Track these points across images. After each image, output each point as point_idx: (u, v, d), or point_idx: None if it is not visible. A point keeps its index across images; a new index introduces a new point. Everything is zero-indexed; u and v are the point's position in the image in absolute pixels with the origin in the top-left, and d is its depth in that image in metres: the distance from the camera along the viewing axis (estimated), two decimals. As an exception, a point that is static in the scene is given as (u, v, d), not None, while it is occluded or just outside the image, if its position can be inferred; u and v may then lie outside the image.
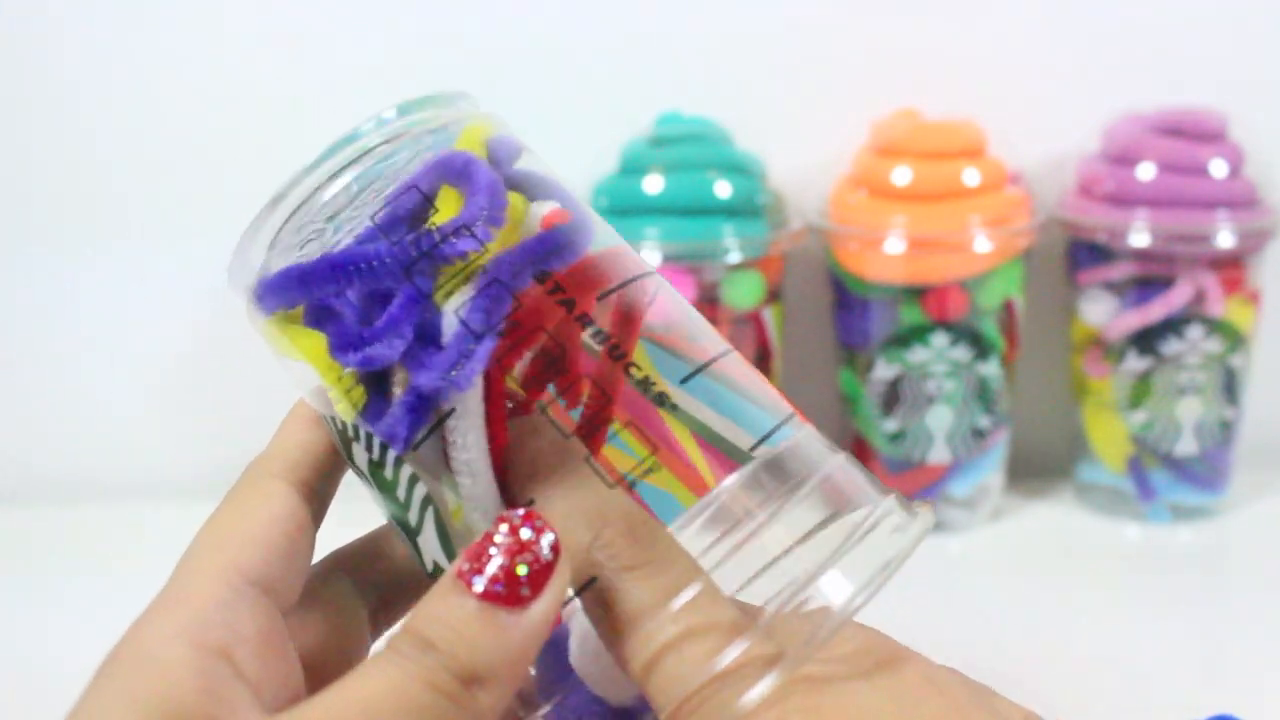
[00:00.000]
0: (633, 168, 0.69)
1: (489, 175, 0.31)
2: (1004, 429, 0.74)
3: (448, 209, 0.30)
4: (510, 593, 0.26)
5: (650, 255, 0.67)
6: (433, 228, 0.30)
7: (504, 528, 0.26)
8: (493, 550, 0.26)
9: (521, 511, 0.27)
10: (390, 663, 0.26)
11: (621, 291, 0.31)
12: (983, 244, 0.68)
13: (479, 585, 0.26)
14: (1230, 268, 0.69)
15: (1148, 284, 0.70)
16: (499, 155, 0.32)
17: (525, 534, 0.26)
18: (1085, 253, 0.72)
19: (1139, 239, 0.69)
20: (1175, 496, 0.73)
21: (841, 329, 0.74)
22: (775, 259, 0.71)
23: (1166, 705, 0.55)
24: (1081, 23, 0.76)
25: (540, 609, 0.26)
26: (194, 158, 0.74)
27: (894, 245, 0.68)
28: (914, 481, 0.73)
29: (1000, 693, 0.32)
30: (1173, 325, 0.70)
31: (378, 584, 0.33)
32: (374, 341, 0.29)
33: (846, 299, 0.72)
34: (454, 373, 0.29)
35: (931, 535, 0.79)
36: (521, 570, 0.26)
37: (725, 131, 0.71)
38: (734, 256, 0.68)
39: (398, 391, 0.30)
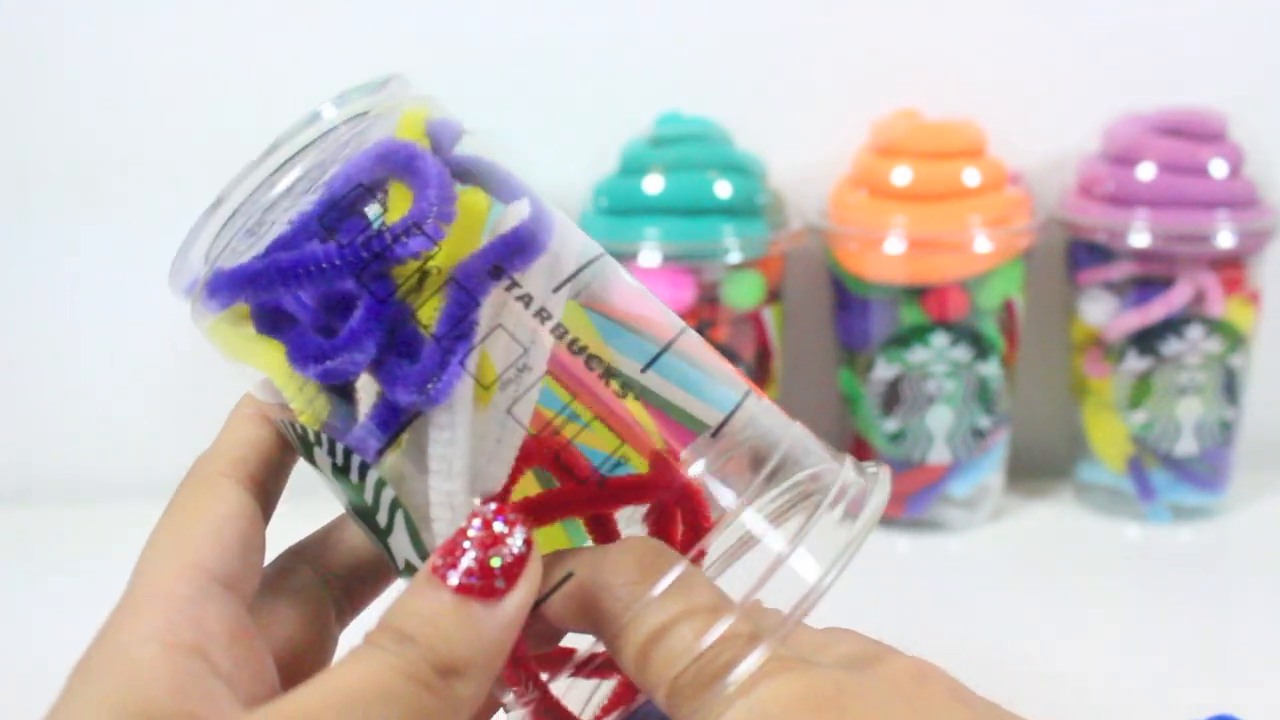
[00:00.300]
0: (633, 168, 0.69)
1: (436, 168, 0.30)
2: (1004, 429, 0.74)
3: (397, 206, 0.30)
4: (485, 585, 0.26)
5: (650, 255, 0.67)
6: (384, 228, 0.29)
7: (477, 523, 0.27)
8: (466, 545, 0.27)
9: (493, 506, 0.27)
10: (369, 656, 0.26)
11: (575, 280, 0.31)
12: (983, 244, 0.68)
13: (454, 579, 0.26)
14: (1230, 268, 0.69)
15: (1148, 284, 0.70)
16: (440, 140, 0.32)
17: (499, 528, 0.27)
18: (1085, 253, 0.72)
19: (1139, 239, 0.69)
20: (1175, 496, 0.73)
21: (841, 329, 0.74)
22: (775, 259, 0.71)
23: (1166, 705, 0.55)
24: (1081, 23, 0.76)
25: (515, 601, 0.27)
26: (198, 160, 0.74)
27: (894, 245, 0.68)
28: (914, 481, 0.73)
29: (1000, 693, 0.32)
30: (1173, 325, 0.70)
31: (340, 574, 0.33)
32: (337, 354, 0.29)
33: (846, 299, 0.72)
34: (430, 386, 0.29)
35: (931, 535, 0.79)
36: (495, 563, 0.26)
37: (725, 131, 0.71)
38: (734, 256, 0.68)
39: (363, 398, 0.30)
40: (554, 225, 0.32)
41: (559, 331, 0.30)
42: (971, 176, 0.69)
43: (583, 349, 0.30)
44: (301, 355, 0.30)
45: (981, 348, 0.70)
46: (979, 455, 0.73)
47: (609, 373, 0.30)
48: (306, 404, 0.30)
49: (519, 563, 0.27)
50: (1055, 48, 0.76)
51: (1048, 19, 0.76)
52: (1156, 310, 0.70)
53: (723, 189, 0.68)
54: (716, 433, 0.31)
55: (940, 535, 0.73)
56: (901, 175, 0.69)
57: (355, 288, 0.29)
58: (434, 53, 0.76)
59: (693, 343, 0.33)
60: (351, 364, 0.29)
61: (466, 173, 0.31)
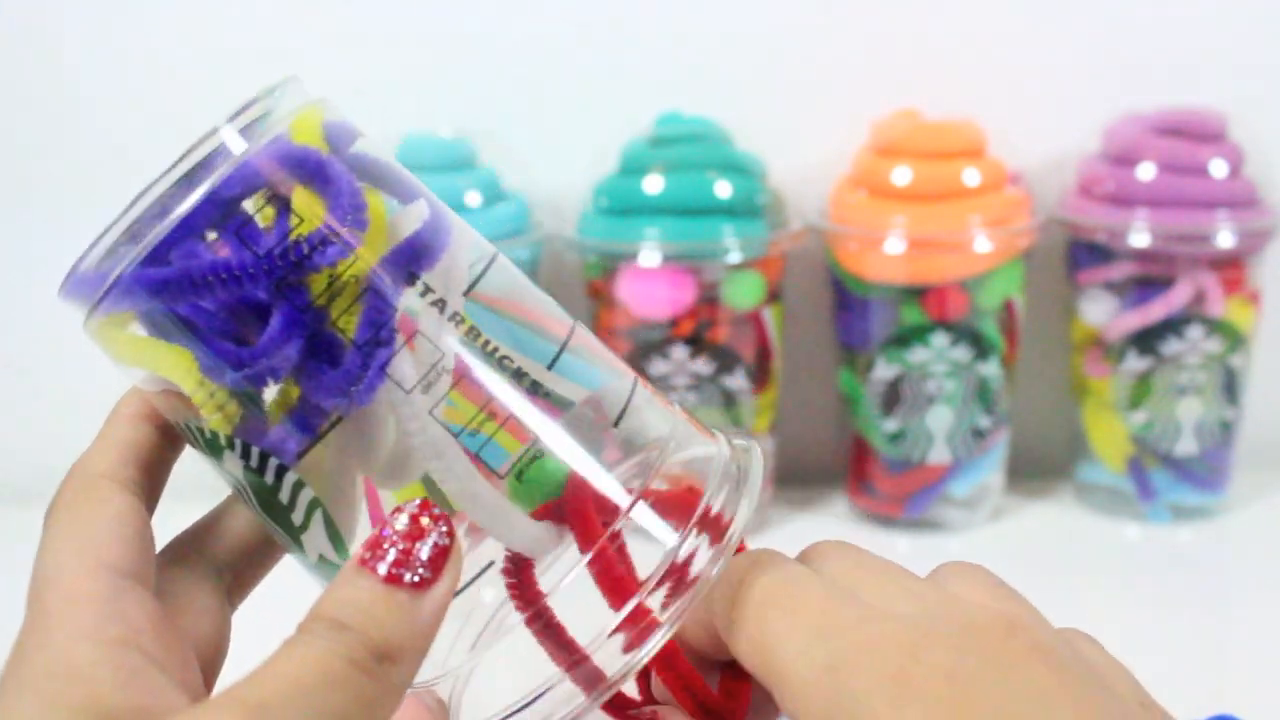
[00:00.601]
0: (633, 168, 0.69)
1: (346, 175, 0.31)
2: (1004, 429, 0.74)
3: (307, 213, 0.30)
4: (413, 575, 0.28)
5: (650, 255, 0.67)
6: (300, 237, 0.30)
7: (403, 516, 0.28)
8: (393, 537, 0.28)
9: (418, 501, 0.28)
10: (308, 644, 0.27)
11: (481, 280, 0.32)
12: (983, 244, 0.68)
13: (382, 569, 0.27)
14: (1230, 268, 0.69)
15: (1148, 284, 0.70)
16: (337, 142, 0.32)
17: (424, 521, 0.28)
18: (1085, 253, 0.72)
19: (1139, 239, 0.69)
20: (1175, 496, 0.73)
21: (841, 329, 0.74)
22: (775, 259, 0.71)
23: (1166, 705, 0.55)
24: (1081, 23, 0.76)
25: (441, 589, 0.28)
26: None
27: (894, 245, 0.68)
28: (914, 481, 0.73)
29: None
30: (1173, 325, 0.70)
31: (228, 561, 0.34)
32: (256, 362, 0.30)
33: (846, 299, 0.72)
34: (354, 390, 0.30)
35: (931, 535, 0.79)
36: (422, 554, 0.28)
37: (725, 131, 0.71)
38: (734, 256, 0.68)
39: (277, 401, 0.30)
40: (452, 225, 0.32)
41: (473, 334, 0.31)
42: (971, 176, 0.69)
43: (495, 350, 0.31)
44: (217, 363, 0.30)
45: (981, 348, 0.70)
46: (979, 455, 0.73)
47: (520, 372, 0.31)
48: (217, 409, 0.31)
49: (443, 553, 0.28)
50: (1055, 48, 0.76)
51: (1048, 19, 0.76)
52: (1156, 310, 0.70)
53: (723, 189, 0.68)
54: (617, 423, 0.32)
55: (940, 535, 0.73)
56: (901, 175, 0.69)
57: (271, 296, 0.30)
58: (434, 53, 0.76)
59: (584, 336, 0.34)
60: (271, 372, 0.30)
61: (364, 174, 0.32)
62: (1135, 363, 0.71)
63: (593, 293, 0.72)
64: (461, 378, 0.30)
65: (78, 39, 0.74)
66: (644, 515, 0.31)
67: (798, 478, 0.79)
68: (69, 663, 0.27)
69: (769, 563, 0.32)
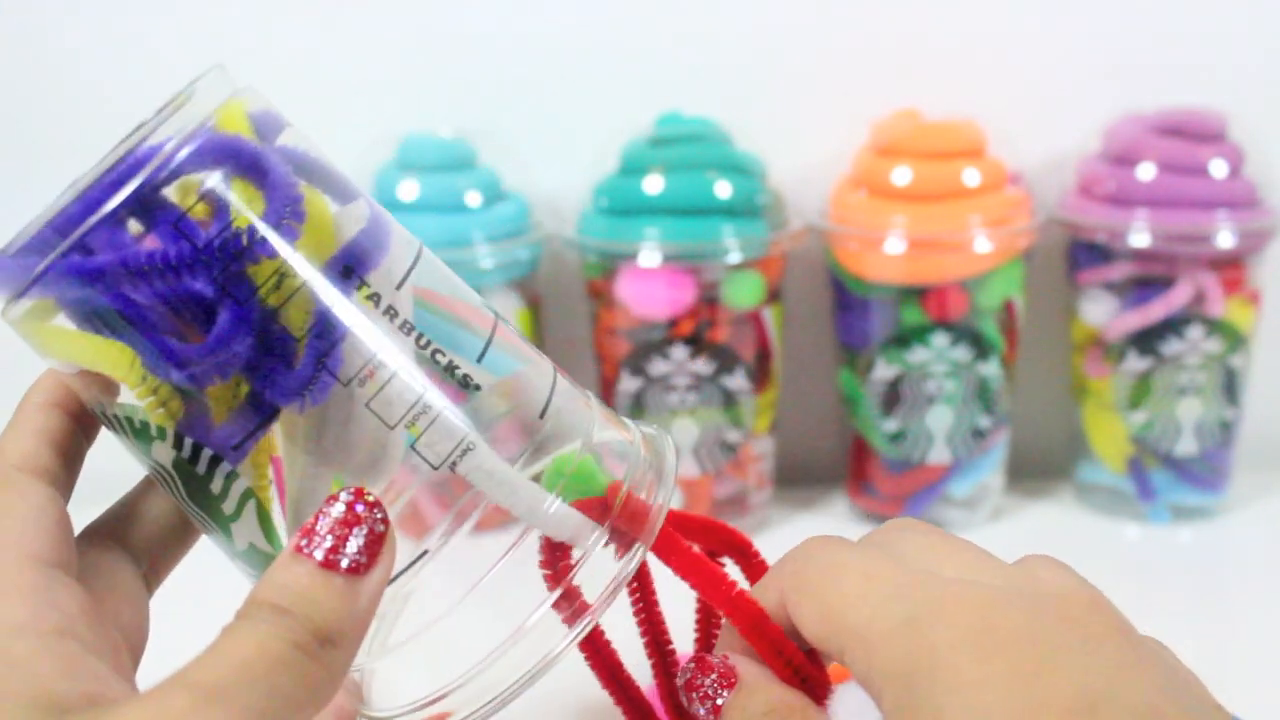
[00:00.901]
0: (633, 168, 0.69)
1: (280, 168, 0.31)
2: (1004, 429, 0.74)
3: (246, 205, 0.30)
4: (349, 561, 0.28)
5: (650, 255, 0.67)
6: (239, 230, 0.30)
7: (339, 505, 0.29)
8: (329, 524, 0.28)
9: (353, 489, 0.29)
10: (251, 628, 0.27)
11: (411, 274, 0.32)
12: (983, 244, 0.68)
13: (319, 555, 0.28)
14: (1230, 268, 0.69)
15: (1148, 284, 0.70)
16: (265, 132, 0.32)
17: (359, 509, 0.29)
18: (1085, 253, 0.72)
19: (1139, 239, 0.69)
20: (1175, 496, 0.73)
21: (841, 329, 0.74)
22: (775, 259, 0.71)
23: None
24: (1081, 23, 0.76)
25: (377, 575, 0.29)
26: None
27: (894, 245, 0.68)
28: (914, 481, 0.73)
29: None
30: (1173, 325, 0.70)
31: (146, 546, 0.34)
32: (203, 359, 0.30)
33: (846, 299, 0.72)
34: (309, 390, 0.30)
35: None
36: (358, 541, 0.28)
37: (725, 131, 0.71)
38: (734, 256, 0.68)
39: (222, 398, 0.31)
40: (388, 220, 0.33)
41: (406, 328, 0.31)
42: (971, 176, 0.69)
43: (429, 343, 0.32)
44: (161, 360, 0.30)
45: (981, 348, 0.70)
46: (979, 455, 0.73)
47: (452, 365, 0.32)
48: (160, 405, 0.31)
49: (379, 540, 0.29)
50: (1055, 48, 0.76)
51: (1048, 19, 0.76)
52: (1156, 310, 0.70)
53: (723, 189, 0.68)
54: (542, 415, 0.33)
55: (940, 535, 0.73)
56: (901, 175, 0.69)
57: (211, 289, 0.30)
58: (434, 53, 0.76)
59: (505, 329, 0.34)
60: (220, 369, 0.30)
61: (298, 168, 0.32)
62: (1135, 363, 0.71)
63: (593, 293, 0.72)
64: (397, 372, 0.31)
65: (79, 39, 0.74)
66: (561, 520, 0.32)
67: (798, 478, 0.79)
68: (11, 657, 0.27)
69: (834, 540, 0.32)
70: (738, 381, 0.70)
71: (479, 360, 0.32)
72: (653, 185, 0.68)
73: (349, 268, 0.31)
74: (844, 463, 0.77)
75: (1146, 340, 0.70)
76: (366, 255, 0.31)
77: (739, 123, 0.71)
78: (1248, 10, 0.75)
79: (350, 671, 0.31)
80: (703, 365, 0.69)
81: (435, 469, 0.31)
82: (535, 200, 0.73)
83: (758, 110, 0.74)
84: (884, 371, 0.71)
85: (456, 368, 0.32)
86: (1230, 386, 0.71)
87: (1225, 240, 0.68)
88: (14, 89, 0.75)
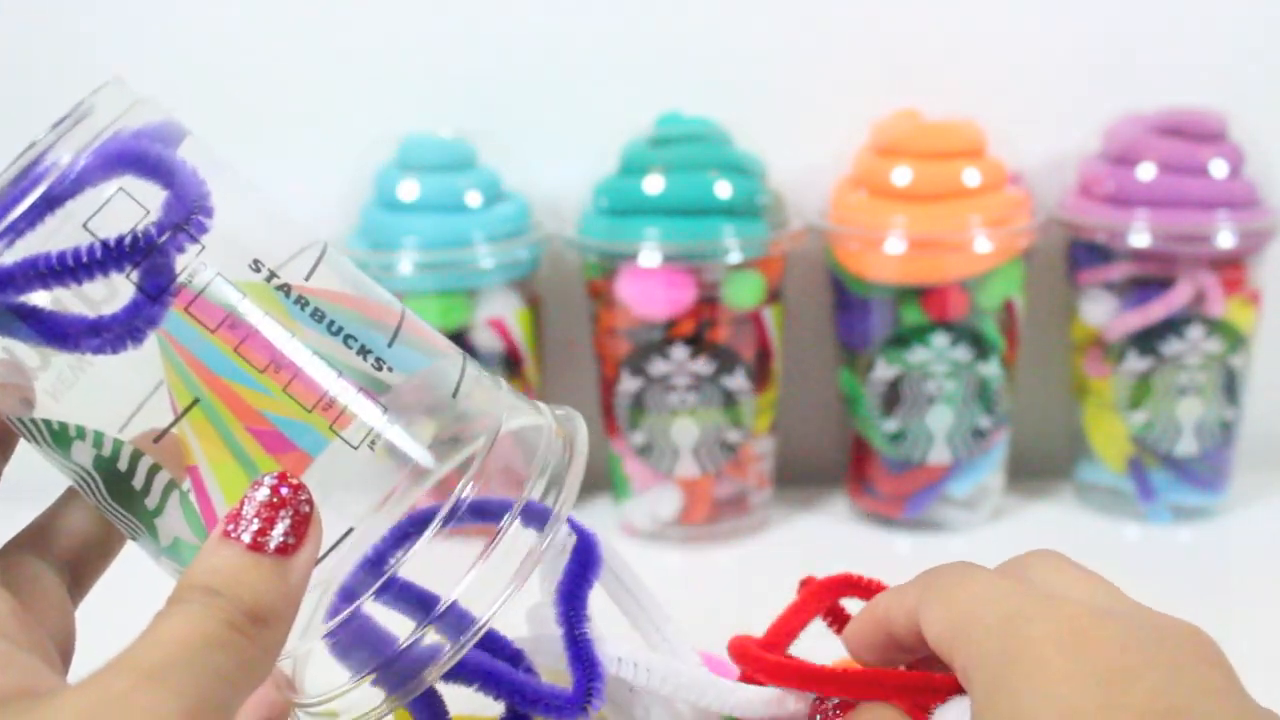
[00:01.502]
0: (633, 168, 0.69)
1: (186, 168, 0.32)
2: (1004, 429, 0.74)
3: (153, 205, 0.31)
4: (276, 542, 0.29)
5: (650, 255, 0.67)
6: (149, 228, 0.31)
7: (264, 489, 0.29)
8: (255, 508, 0.29)
9: (277, 472, 0.30)
10: (185, 611, 0.28)
11: (318, 265, 0.34)
12: (983, 244, 0.68)
13: (246, 538, 0.29)
14: (1230, 268, 0.69)
15: (1148, 284, 0.70)
16: (167, 139, 0.33)
17: (284, 491, 0.29)
18: (1085, 253, 0.72)
19: (1139, 239, 0.69)
20: (1175, 496, 0.73)
21: (841, 329, 0.74)
22: (775, 259, 0.71)
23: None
24: (1081, 23, 0.76)
25: (305, 555, 0.29)
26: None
27: (894, 245, 0.68)
28: (914, 481, 0.73)
29: None
30: (1173, 325, 0.70)
31: (70, 557, 0.34)
32: (114, 326, 0.31)
33: (846, 299, 0.72)
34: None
35: (932, 535, 0.79)
36: (285, 522, 0.29)
37: (725, 131, 0.71)
38: (734, 256, 0.68)
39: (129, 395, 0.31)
40: (291, 220, 0.34)
41: (318, 315, 0.32)
42: (971, 176, 0.69)
43: (340, 330, 0.33)
44: (70, 333, 0.31)
45: (981, 348, 0.70)
46: (979, 455, 0.73)
47: (364, 350, 0.33)
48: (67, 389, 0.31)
49: (305, 520, 0.29)
50: (1055, 48, 0.76)
51: (1048, 19, 0.76)
52: (1156, 310, 0.70)
53: (723, 189, 0.68)
54: (455, 394, 0.34)
55: (940, 536, 0.73)
56: (901, 175, 0.69)
57: (122, 285, 0.31)
58: (434, 53, 0.76)
59: (412, 318, 0.35)
60: (130, 334, 0.31)
61: (203, 169, 0.33)
62: (1135, 363, 0.71)
63: (593, 293, 0.72)
64: (304, 367, 0.32)
65: (79, 38, 0.74)
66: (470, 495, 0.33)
67: (798, 478, 0.79)
68: None
69: (971, 562, 0.34)
70: (738, 381, 0.70)
71: (390, 344, 0.34)
72: (653, 185, 0.68)
73: (257, 260, 0.32)
74: (844, 463, 0.77)
75: (1147, 340, 0.70)
76: (274, 249, 0.33)
77: (739, 123, 0.71)
78: (1248, 10, 0.75)
79: (280, 660, 0.32)
80: (703, 365, 0.69)
81: (355, 449, 0.32)
82: (535, 200, 0.73)
83: (758, 110, 0.74)
84: (884, 371, 0.71)
85: (369, 352, 0.33)
86: (1230, 386, 0.71)
87: (1225, 240, 0.68)
88: (12, 87, 0.75)
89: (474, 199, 0.70)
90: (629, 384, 0.70)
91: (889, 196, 0.69)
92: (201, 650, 0.27)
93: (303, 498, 0.29)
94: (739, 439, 0.71)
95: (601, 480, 0.76)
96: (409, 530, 0.43)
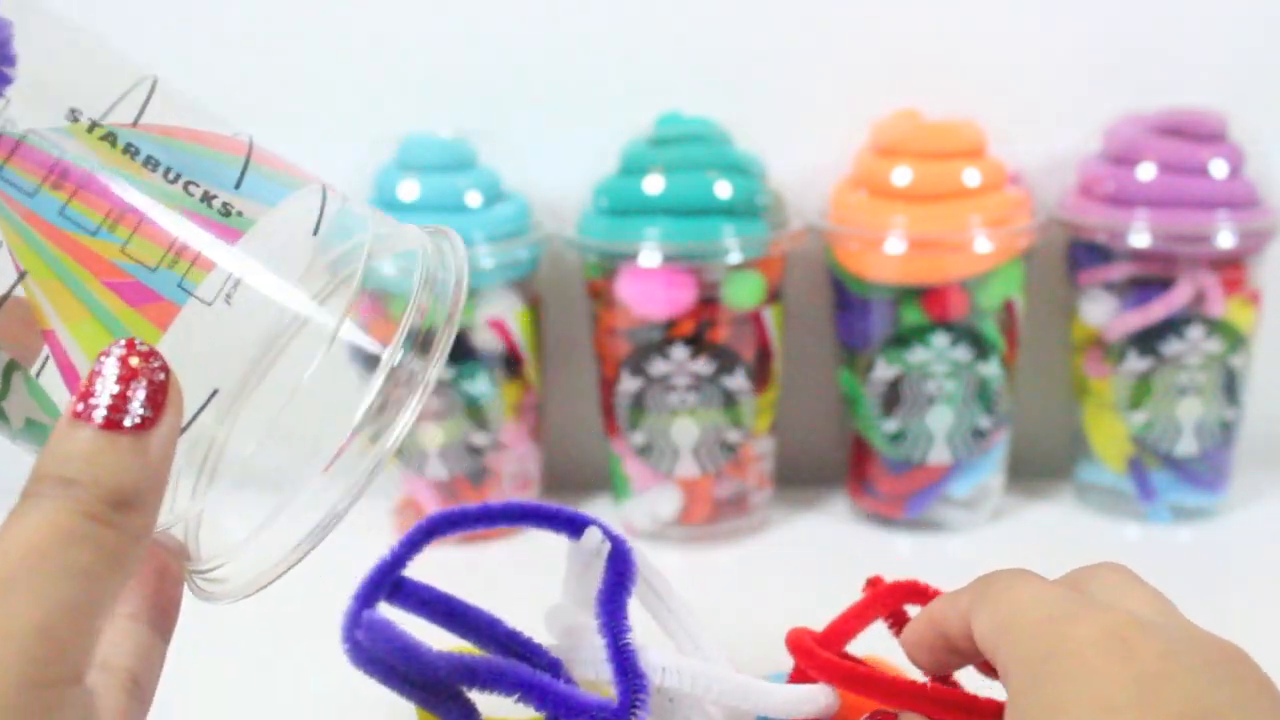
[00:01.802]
0: (633, 168, 0.69)
1: None
2: (1004, 429, 0.74)
3: None
4: (132, 418, 0.27)
5: (650, 255, 0.67)
6: None
7: (111, 360, 0.27)
8: (104, 382, 0.27)
9: (123, 341, 0.27)
10: (37, 507, 0.26)
11: (147, 106, 0.31)
12: (983, 244, 0.68)
13: (99, 417, 0.26)
14: (1230, 268, 0.69)
15: (1148, 284, 0.70)
16: None
17: (134, 361, 0.27)
18: (1085, 253, 0.72)
19: (1139, 239, 0.69)
20: (1175, 497, 0.73)
21: (841, 329, 0.74)
22: (775, 259, 0.71)
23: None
24: (1082, 23, 0.76)
25: (165, 427, 0.27)
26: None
27: (894, 245, 0.68)
28: (914, 481, 0.73)
29: (999, 693, 0.33)
30: (1173, 325, 0.70)
31: None
32: None
33: (846, 299, 0.72)
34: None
35: (932, 536, 0.79)
36: (139, 395, 0.27)
37: (725, 131, 0.71)
38: (734, 256, 0.68)
39: None
40: (113, 53, 0.31)
41: (151, 163, 0.30)
42: (971, 176, 0.69)
43: (178, 177, 0.30)
44: None
45: (981, 348, 0.70)
46: (979, 455, 0.73)
47: (208, 195, 0.30)
48: None
49: (160, 390, 0.27)
50: (1055, 48, 0.76)
51: (1048, 19, 0.76)
52: (1156, 310, 0.70)
53: (723, 189, 0.68)
54: (315, 232, 0.32)
55: (940, 536, 0.73)
56: (901, 175, 0.69)
57: None
58: (434, 53, 0.76)
59: (262, 149, 0.33)
60: None
61: (4, 9, 0.30)
62: (1135, 363, 0.71)
63: (593, 293, 0.72)
64: (147, 212, 0.29)
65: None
66: (352, 332, 0.30)
67: (798, 478, 0.79)
68: None
69: (1022, 569, 0.35)
70: (738, 381, 0.70)
71: (237, 188, 0.31)
72: (653, 185, 0.68)
73: (74, 109, 0.29)
74: (844, 463, 0.77)
75: (1147, 340, 0.70)
76: (94, 94, 0.30)
77: (739, 123, 0.71)
78: (1248, 10, 0.75)
79: (171, 527, 0.30)
80: (703, 365, 0.69)
81: (209, 305, 0.29)
82: (535, 200, 0.73)
83: (758, 110, 0.74)
84: (884, 371, 0.71)
85: (214, 197, 0.30)
86: (1230, 386, 0.71)
87: (1225, 240, 0.68)
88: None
89: (474, 199, 0.70)
90: (629, 384, 0.70)
91: (889, 196, 0.69)
92: (55, 549, 0.25)
93: (155, 365, 0.27)
94: (739, 439, 0.71)
95: (602, 480, 0.76)
96: (417, 539, 0.42)
